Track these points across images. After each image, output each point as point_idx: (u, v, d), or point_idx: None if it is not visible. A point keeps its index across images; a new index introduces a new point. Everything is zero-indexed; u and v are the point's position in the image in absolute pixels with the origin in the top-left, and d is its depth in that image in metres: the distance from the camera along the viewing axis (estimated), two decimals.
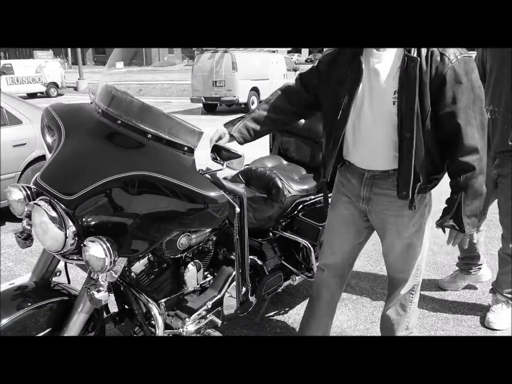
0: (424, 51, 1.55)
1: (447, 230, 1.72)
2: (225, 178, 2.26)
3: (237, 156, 1.64)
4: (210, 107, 13.51)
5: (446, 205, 1.72)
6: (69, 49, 46.62)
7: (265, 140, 3.01)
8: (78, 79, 23.31)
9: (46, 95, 20.16)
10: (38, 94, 20.11)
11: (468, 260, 2.91)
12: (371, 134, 1.69)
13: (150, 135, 1.53)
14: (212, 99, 13.00)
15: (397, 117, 1.59)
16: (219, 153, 1.68)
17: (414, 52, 1.55)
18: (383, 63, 1.62)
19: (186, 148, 1.53)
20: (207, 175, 1.68)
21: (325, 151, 1.87)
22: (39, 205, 1.44)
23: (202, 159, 2.27)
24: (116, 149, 1.57)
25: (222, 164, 1.66)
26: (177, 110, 14.41)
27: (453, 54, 1.53)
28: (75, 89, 23.04)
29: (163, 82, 22.62)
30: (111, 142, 1.59)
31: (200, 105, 13.49)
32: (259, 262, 2.32)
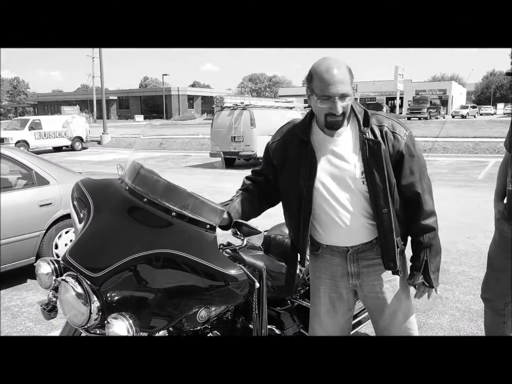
0: (377, 131, 1.70)
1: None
2: (245, 245, 2.31)
3: (257, 232, 1.69)
4: (229, 162, 13.81)
5: (411, 264, 1.86)
6: (94, 104, 48.85)
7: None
8: (102, 133, 24.27)
9: (71, 148, 20.97)
10: (64, 147, 20.92)
11: None
12: (345, 213, 1.77)
13: (174, 213, 1.59)
14: (230, 153, 13.32)
15: (369, 195, 1.72)
16: (240, 228, 1.73)
17: (368, 133, 1.70)
18: (342, 147, 1.75)
19: (208, 226, 1.59)
20: (227, 250, 1.72)
21: (295, 241, 1.93)
22: (67, 281, 1.50)
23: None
24: (141, 226, 1.63)
25: (243, 240, 1.71)
26: (196, 163, 14.78)
27: (402, 131, 1.74)
28: (99, 143, 23.94)
29: (183, 136, 23.32)
30: (137, 220, 1.66)
31: (219, 159, 13.80)
32: (277, 331, 2.30)
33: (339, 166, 1.75)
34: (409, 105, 43.00)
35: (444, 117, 39.56)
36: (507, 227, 2.40)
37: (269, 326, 2.19)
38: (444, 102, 48.54)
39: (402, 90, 45.72)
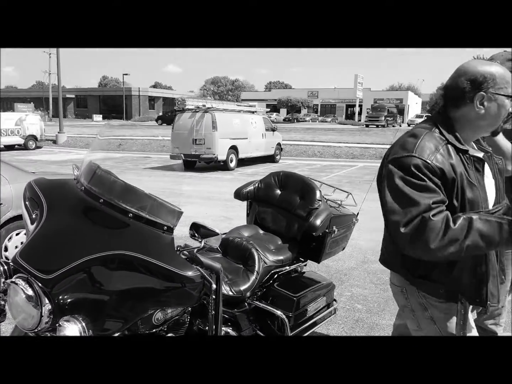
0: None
1: None
2: (203, 248, 2.31)
3: (215, 234, 1.70)
4: (190, 164, 13.72)
5: None
6: (50, 102, 47.20)
7: (241, 208, 3.11)
8: (58, 132, 23.46)
9: (24, 147, 20.12)
10: (16, 146, 20.05)
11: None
12: None
13: (131, 214, 1.58)
14: (191, 156, 13.23)
15: None
16: (198, 230, 1.73)
17: None
18: None
19: (165, 227, 1.59)
20: (185, 252, 1.72)
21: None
22: (16, 284, 1.46)
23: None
24: (97, 227, 1.61)
25: (200, 242, 1.71)
26: (156, 165, 14.58)
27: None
28: (54, 142, 23.11)
29: (143, 138, 22.93)
30: (92, 220, 1.63)
31: (180, 161, 13.70)
32: (234, 333, 2.31)
33: None
34: (367, 112, 44.21)
35: (400, 125, 40.97)
36: None
37: (225, 328, 2.21)
38: (401, 111, 50.25)
39: (361, 98, 47.05)
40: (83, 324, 1.41)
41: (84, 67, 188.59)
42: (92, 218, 1.64)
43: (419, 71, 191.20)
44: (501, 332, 2.46)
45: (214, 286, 1.72)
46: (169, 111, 42.54)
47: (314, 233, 2.54)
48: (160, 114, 47.90)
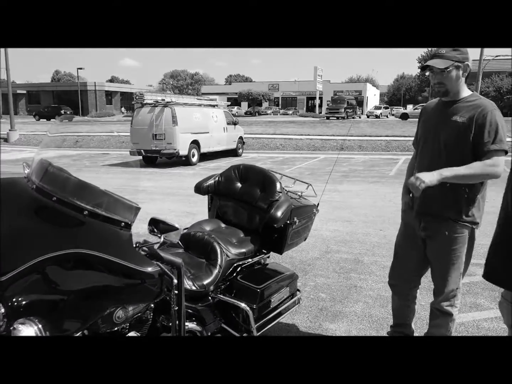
0: None
1: None
2: (164, 243, 2.29)
3: (174, 228, 1.68)
4: (150, 160, 13.47)
5: None
6: None
7: (204, 203, 3.09)
8: (9, 130, 22.45)
9: None
10: None
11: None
12: None
13: (86, 211, 1.54)
14: (152, 151, 13.00)
15: None
16: (157, 225, 1.71)
17: None
18: None
19: (123, 223, 1.56)
20: (144, 248, 1.70)
21: None
22: None
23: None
24: (50, 226, 1.56)
25: (160, 237, 1.69)
26: (115, 162, 14.24)
27: None
28: (6, 140, 22.11)
29: (101, 134, 22.32)
30: (45, 219, 1.58)
31: (140, 157, 13.44)
32: (198, 327, 2.30)
33: None
34: (328, 105, 44.85)
35: (360, 117, 41.83)
36: (413, 220, 2.62)
37: (189, 323, 2.20)
38: (360, 103, 51.37)
39: (321, 90, 47.61)
40: (39, 326, 1.37)
41: (36, 61, 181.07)
42: (45, 217, 1.58)
43: (375, 63, 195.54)
44: (456, 313, 2.57)
45: (175, 281, 1.71)
46: (48, 107, 44.97)
47: (275, 225, 2.56)
48: (31, 109, 48.72)
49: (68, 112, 41.26)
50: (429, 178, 2.20)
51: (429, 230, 2.53)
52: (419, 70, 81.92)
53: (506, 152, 2.28)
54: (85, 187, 1.61)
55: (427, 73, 2.36)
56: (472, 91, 2.44)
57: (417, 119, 2.72)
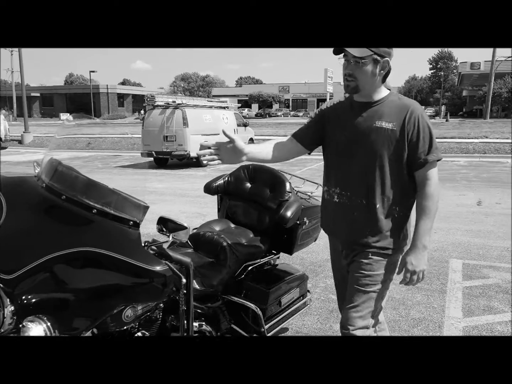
0: None
1: None
2: (174, 243, 2.28)
3: (183, 227, 1.67)
4: (161, 161, 13.54)
5: None
6: (14, 102, 45.76)
7: (215, 204, 3.08)
8: (23, 132, 22.75)
9: None
10: None
11: None
12: None
13: (95, 210, 1.54)
14: (163, 153, 13.05)
15: None
16: (165, 224, 1.71)
17: None
18: None
19: (131, 222, 1.56)
20: (153, 247, 1.69)
21: None
22: None
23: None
24: (60, 224, 1.56)
25: (168, 236, 1.69)
26: (127, 163, 14.33)
27: None
28: (20, 142, 22.41)
29: (113, 136, 22.49)
30: (55, 218, 1.58)
31: (151, 159, 13.51)
32: (207, 328, 2.30)
33: None
34: None
35: None
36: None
37: (199, 323, 2.19)
38: None
39: (331, 92, 47.46)
40: (48, 324, 1.37)
41: (49, 64, 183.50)
42: (54, 215, 1.59)
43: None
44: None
45: (184, 280, 1.70)
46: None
47: (285, 225, 2.54)
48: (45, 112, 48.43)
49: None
50: (423, 261, 1.94)
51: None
52: (430, 72, 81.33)
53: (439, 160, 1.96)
54: (94, 186, 1.61)
55: (341, 60, 1.89)
56: (389, 89, 2.03)
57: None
